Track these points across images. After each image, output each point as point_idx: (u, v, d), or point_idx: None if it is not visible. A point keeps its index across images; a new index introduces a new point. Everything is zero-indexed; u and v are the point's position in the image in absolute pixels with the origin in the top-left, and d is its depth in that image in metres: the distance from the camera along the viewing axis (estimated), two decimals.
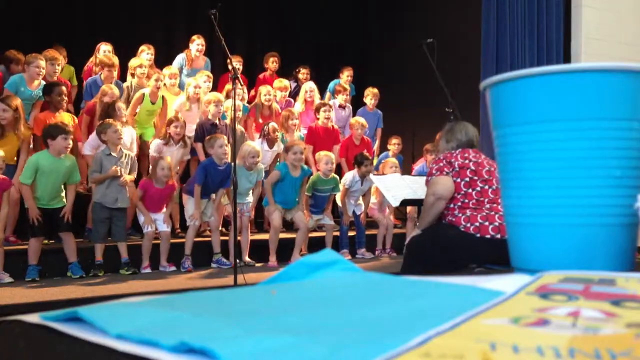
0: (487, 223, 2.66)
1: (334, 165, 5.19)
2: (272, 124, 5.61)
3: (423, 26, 6.64)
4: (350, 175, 5.36)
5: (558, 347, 0.44)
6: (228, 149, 4.66)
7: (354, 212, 5.46)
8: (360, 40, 8.69)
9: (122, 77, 5.88)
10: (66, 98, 4.93)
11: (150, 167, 4.79)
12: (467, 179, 2.78)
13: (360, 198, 5.49)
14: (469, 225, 2.69)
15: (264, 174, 5.05)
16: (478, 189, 2.78)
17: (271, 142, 5.60)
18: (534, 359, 0.42)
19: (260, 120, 5.99)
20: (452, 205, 2.80)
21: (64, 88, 4.90)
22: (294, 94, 6.82)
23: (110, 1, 7.03)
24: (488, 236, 2.63)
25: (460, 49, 6.40)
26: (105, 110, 4.77)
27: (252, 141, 5.36)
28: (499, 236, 2.61)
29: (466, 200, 2.77)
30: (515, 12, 6.35)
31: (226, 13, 6.07)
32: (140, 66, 5.55)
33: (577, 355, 0.43)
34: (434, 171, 2.86)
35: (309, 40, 8.21)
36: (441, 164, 2.84)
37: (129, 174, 4.51)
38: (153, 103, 5.37)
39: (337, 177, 5.33)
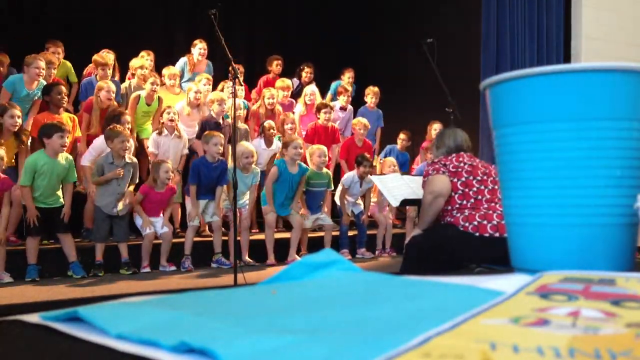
0: (485, 222, 2.67)
1: (327, 159, 5.18)
2: (269, 122, 5.63)
3: (423, 26, 6.63)
4: (350, 175, 5.36)
5: (558, 347, 0.44)
6: (222, 149, 4.73)
7: (352, 211, 5.46)
8: (360, 41, 8.68)
9: (122, 79, 5.87)
10: (66, 98, 4.92)
11: (151, 170, 4.77)
12: (464, 179, 2.80)
13: (359, 198, 5.49)
14: (467, 224, 2.70)
15: (259, 178, 5.01)
16: (475, 189, 2.79)
17: (269, 140, 5.60)
18: (534, 359, 0.42)
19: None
20: (449, 207, 2.81)
21: (63, 88, 4.88)
22: (297, 93, 6.80)
23: (109, 1, 7.02)
24: (487, 235, 2.64)
25: (460, 49, 6.39)
26: (111, 118, 4.76)
27: (248, 142, 5.35)
28: (497, 235, 2.61)
29: (464, 201, 2.78)
30: (515, 12, 6.35)
31: (226, 14, 6.07)
32: (142, 67, 5.54)
33: (577, 355, 0.43)
34: (430, 172, 2.88)
35: (309, 40, 8.20)
36: (437, 166, 2.88)
37: (130, 182, 4.51)
38: (149, 105, 5.38)
39: (330, 173, 5.33)
